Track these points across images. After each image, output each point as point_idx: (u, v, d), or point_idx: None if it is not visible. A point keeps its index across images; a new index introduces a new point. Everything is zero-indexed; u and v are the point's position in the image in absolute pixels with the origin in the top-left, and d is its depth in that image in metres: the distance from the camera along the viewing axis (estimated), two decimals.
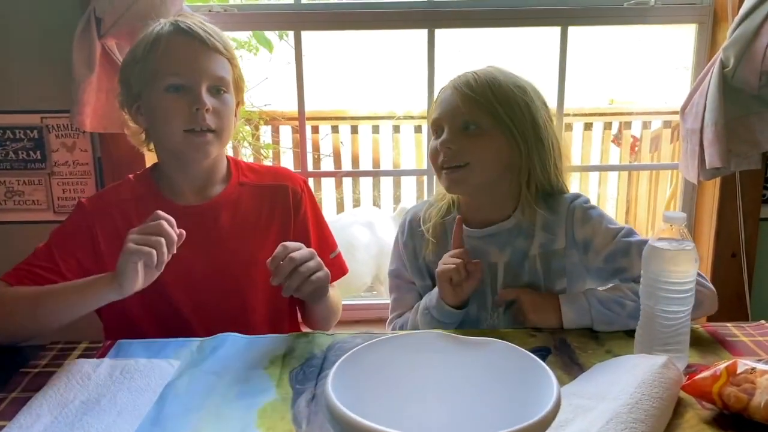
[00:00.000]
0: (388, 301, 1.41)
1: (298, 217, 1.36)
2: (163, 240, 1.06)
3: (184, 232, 1.09)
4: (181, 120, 1.22)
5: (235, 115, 1.33)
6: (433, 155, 1.26)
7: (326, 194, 3.76)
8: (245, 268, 1.30)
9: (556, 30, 1.87)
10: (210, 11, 1.80)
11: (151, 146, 1.34)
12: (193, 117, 1.22)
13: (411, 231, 1.36)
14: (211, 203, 1.31)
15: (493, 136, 1.22)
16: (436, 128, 1.26)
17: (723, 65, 1.57)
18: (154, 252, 1.05)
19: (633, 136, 3.50)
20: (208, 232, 1.29)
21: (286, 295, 1.17)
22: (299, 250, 1.16)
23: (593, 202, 1.30)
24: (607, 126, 3.48)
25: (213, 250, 1.28)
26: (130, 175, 1.35)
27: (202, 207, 1.30)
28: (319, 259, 1.20)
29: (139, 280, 1.07)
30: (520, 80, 1.25)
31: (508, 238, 1.28)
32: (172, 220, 1.09)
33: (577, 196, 1.29)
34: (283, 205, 1.35)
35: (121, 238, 1.07)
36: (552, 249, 1.27)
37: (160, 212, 1.09)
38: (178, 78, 1.23)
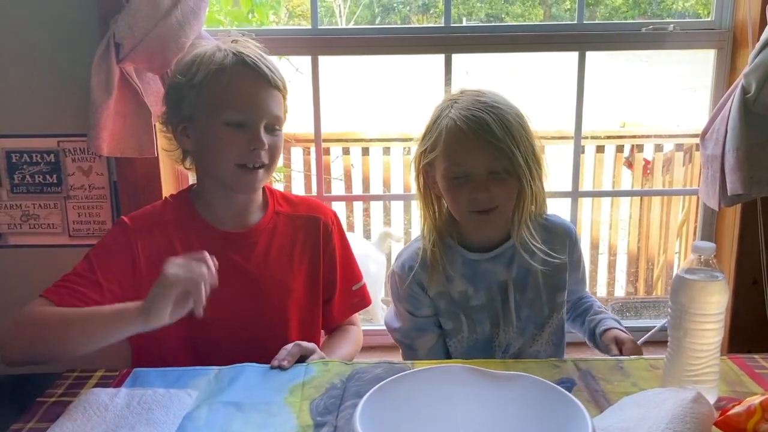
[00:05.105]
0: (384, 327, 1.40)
1: (327, 250, 1.37)
2: (205, 272, 1.03)
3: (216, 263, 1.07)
4: (236, 154, 1.22)
5: None
6: (459, 199, 1.24)
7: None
8: (279, 296, 1.31)
9: (571, 54, 1.86)
10: (228, 36, 1.80)
11: (188, 164, 1.33)
12: (248, 154, 1.22)
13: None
14: (250, 231, 1.31)
15: (513, 177, 1.22)
16: (457, 172, 1.22)
17: (744, 91, 1.56)
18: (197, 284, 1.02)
19: (645, 159, 3.49)
20: (246, 259, 1.29)
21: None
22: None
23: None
24: (619, 149, 3.48)
25: (250, 276, 1.28)
26: (168, 196, 1.35)
27: (241, 234, 1.30)
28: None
29: (167, 313, 1.01)
30: (519, 111, 1.24)
31: (512, 256, 1.31)
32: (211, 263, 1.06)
33: (563, 219, 1.38)
34: (314, 236, 1.36)
35: (162, 260, 1.04)
36: (554, 264, 1.30)
37: (206, 254, 1.06)
38: (240, 115, 1.22)
